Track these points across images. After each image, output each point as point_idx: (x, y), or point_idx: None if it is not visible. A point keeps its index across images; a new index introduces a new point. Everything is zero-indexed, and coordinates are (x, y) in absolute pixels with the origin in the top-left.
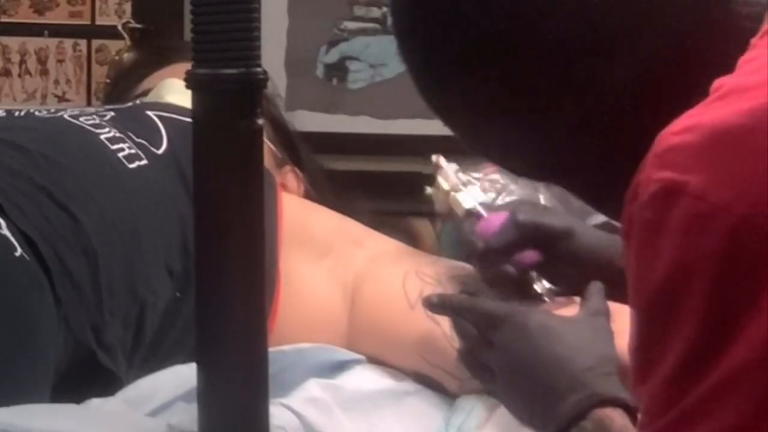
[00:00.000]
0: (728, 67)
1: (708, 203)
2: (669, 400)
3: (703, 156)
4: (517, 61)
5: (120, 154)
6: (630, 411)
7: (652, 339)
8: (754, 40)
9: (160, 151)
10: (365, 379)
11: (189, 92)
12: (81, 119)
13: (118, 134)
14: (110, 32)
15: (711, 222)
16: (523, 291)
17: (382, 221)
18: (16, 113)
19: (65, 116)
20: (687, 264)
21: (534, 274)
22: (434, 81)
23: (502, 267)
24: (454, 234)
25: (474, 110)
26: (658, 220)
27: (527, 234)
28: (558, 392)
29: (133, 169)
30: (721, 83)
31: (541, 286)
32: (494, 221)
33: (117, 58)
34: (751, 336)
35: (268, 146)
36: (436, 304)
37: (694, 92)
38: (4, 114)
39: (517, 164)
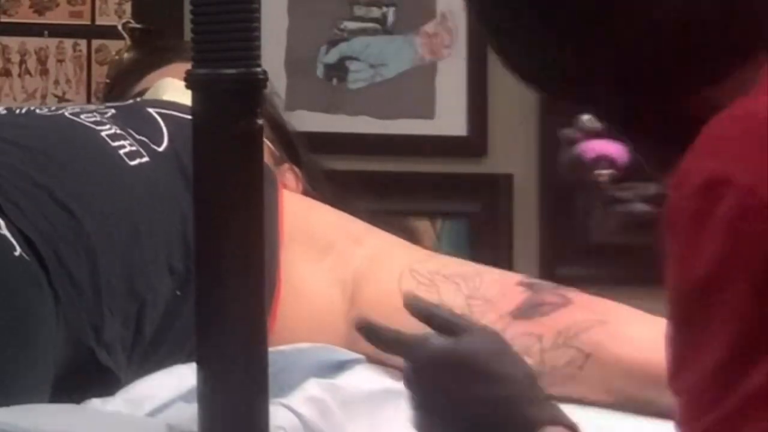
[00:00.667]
0: None
1: (756, 198)
2: (713, 397)
3: (753, 148)
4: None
5: (121, 152)
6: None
7: (693, 332)
8: None
9: (161, 149)
10: (365, 379)
11: (187, 92)
12: (82, 116)
13: (119, 131)
14: (110, 32)
15: (758, 217)
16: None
17: (382, 221)
18: (17, 111)
19: (66, 114)
20: (731, 258)
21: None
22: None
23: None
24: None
25: (526, 43)
26: (703, 211)
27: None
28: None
29: (134, 166)
30: None
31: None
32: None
33: (117, 58)
34: None
35: (267, 145)
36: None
37: (741, 47)
38: (5, 111)
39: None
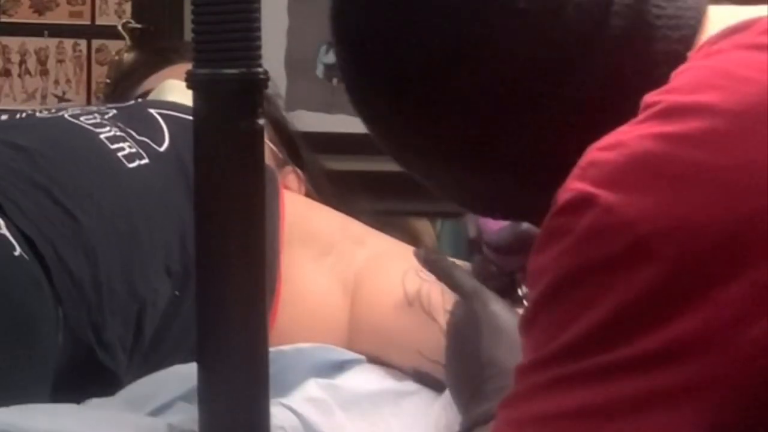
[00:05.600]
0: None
1: (613, 217)
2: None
3: (619, 174)
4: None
5: (119, 154)
6: None
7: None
8: (690, 53)
9: (161, 149)
10: (365, 379)
11: (190, 92)
12: (81, 119)
13: (119, 133)
14: (110, 32)
15: (612, 235)
16: (506, 292)
17: (382, 221)
18: (18, 115)
19: (66, 116)
20: (580, 268)
21: (519, 277)
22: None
23: (487, 265)
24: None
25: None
26: (565, 226)
27: (523, 242)
28: (470, 394)
29: (132, 168)
30: (651, 101)
31: (523, 291)
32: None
33: (117, 58)
34: (642, 354)
35: (269, 146)
36: (427, 261)
37: (626, 112)
38: (6, 117)
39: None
